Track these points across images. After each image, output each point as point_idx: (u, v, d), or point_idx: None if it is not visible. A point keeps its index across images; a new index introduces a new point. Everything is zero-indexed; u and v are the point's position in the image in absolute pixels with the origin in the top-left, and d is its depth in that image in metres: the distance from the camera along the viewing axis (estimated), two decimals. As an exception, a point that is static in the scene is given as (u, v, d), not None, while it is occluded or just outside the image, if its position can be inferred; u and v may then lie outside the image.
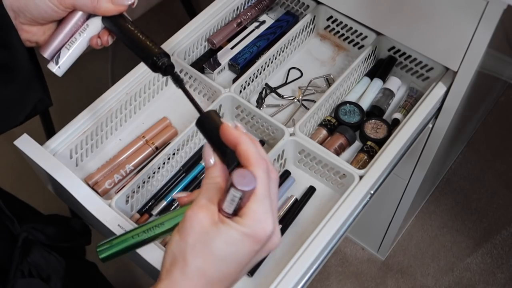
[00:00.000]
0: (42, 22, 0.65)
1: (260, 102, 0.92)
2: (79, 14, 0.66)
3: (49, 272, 0.69)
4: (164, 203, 0.80)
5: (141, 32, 0.64)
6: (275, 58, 0.93)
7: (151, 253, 0.68)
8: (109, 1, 0.64)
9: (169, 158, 0.81)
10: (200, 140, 0.86)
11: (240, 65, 0.92)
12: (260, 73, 0.91)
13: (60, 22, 0.67)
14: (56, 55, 0.67)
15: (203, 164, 0.84)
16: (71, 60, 0.68)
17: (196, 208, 0.47)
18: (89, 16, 0.66)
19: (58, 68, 0.68)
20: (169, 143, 0.83)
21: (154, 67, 0.62)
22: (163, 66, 0.61)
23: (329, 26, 0.99)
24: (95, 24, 0.67)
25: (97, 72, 1.70)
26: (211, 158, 0.51)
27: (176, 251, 0.47)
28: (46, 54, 0.67)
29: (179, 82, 0.59)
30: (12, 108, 0.68)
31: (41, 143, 0.78)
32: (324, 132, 0.86)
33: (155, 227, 0.57)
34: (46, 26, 0.66)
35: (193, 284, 0.47)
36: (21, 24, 0.64)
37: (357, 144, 0.88)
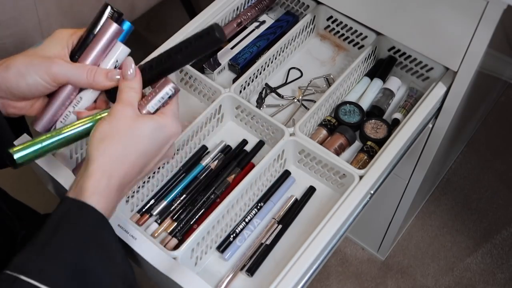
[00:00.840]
0: (30, 98, 0.65)
1: (260, 102, 0.92)
2: (70, 87, 0.66)
3: None
4: (164, 203, 0.80)
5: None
6: (275, 58, 0.93)
7: (152, 253, 0.68)
8: (105, 75, 0.64)
9: (169, 158, 0.81)
10: (200, 140, 0.86)
11: (240, 65, 0.92)
12: (260, 73, 0.91)
13: (51, 95, 0.67)
14: (52, 128, 0.68)
15: (203, 164, 0.84)
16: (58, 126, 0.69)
17: (125, 104, 0.60)
18: (81, 88, 0.67)
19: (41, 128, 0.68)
20: (169, 143, 0.83)
21: None
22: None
23: (329, 26, 0.99)
24: (89, 96, 0.67)
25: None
26: (131, 69, 0.63)
27: (105, 132, 0.58)
28: (39, 128, 0.68)
29: None
30: None
31: (41, 143, 0.78)
32: (324, 132, 0.86)
33: (68, 130, 0.63)
34: (34, 100, 0.67)
35: (114, 155, 0.57)
36: (7, 100, 0.64)
37: (357, 144, 0.88)
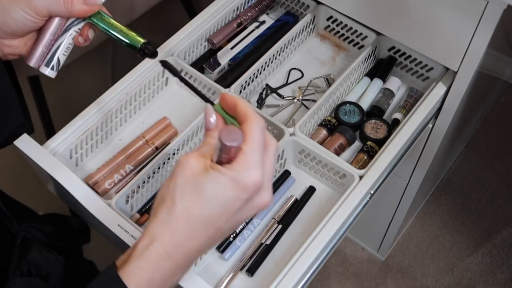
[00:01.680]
0: (21, 34, 0.66)
1: (260, 102, 0.92)
2: (57, 20, 0.67)
3: (48, 270, 0.69)
4: (164, 203, 0.80)
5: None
6: (275, 58, 0.93)
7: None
8: (82, 2, 0.65)
9: (169, 158, 0.81)
10: (200, 140, 0.86)
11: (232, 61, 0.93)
12: (260, 73, 0.91)
13: (40, 30, 0.68)
14: (46, 59, 0.69)
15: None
16: (62, 61, 0.70)
17: (189, 155, 0.51)
18: (68, 19, 0.68)
19: (51, 70, 0.69)
20: (169, 143, 0.83)
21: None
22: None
23: (329, 26, 0.99)
24: (76, 25, 0.69)
25: (97, 72, 1.70)
26: (211, 117, 0.54)
27: (165, 192, 0.50)
28: (32, 62, 0.69)
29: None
30: None
31: (41, 143, 0.78)
32: (324, 132, 0.86)
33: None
34: (27, 37, 0.68)
35: (178, 222, 0.49)
36: (1, 39, 0.66)
37: (357, 144, 0.88)
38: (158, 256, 0.49)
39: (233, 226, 0.52)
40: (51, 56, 0.69)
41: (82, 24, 0.69)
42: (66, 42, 0.69)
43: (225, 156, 0.50)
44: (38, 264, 0.69)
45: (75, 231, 0.79)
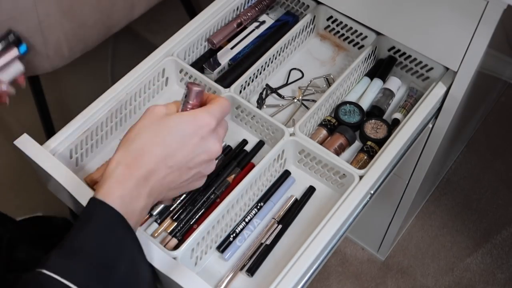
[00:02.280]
0: None
1: (260, 102, 0.92)
2: None
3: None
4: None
5: None
6: (275, 58, 0.93)
7: (152, 253, 0.68)
8: None
9: (169, 158, 0.81)
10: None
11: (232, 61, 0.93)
12: (260, 73, 0.91)
13: None
14: None
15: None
16: None
17: (157, 105, 0.62)
18: None
19: None
20: (169, 143, 0.83)
21: None
22: None
23: (329, 26, 0.99)
24: None
25: (97, 72, 1.70)
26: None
27: (132, 129, 0.60)
28: None
29: None
30: None
31: (41, 143, 0.78)
32: (324, 132, 0.87)
33: None
34: None
35: (143, 147, 0.59)
36: None
37: (357, 144, 0.88)
38: (125, 176, 0.57)
39: (190, 163, 0.61)
40: None
41: None
42: None
43: (190, 102, 0.63)
44: (26, 263, 0.69)
45: (59, 229, 0.80)
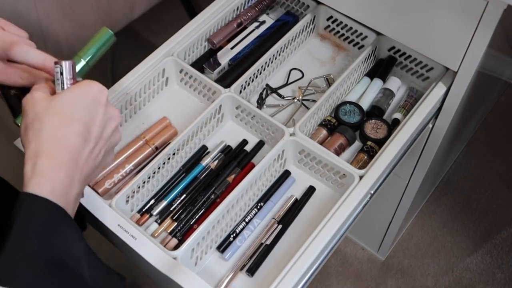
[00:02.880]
0: None
1: (260, 102, 0.92)
2: None
3: None
4: (164, 203, 0.80)
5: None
6: (275, 58, 0.93)
7: (152, 253, 0.68)
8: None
9: (169, 158, 0.81)
10: (200, 140, 0.86)
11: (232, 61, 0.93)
12: (260, 73, 0.91)
13: None
14: None
15: (203, 164, 0.84)
16: None
17: (32, 92, 0.58)
18: None
19: None
20: (169, 143, 0.83)
21: None
22: None
23: (329, 26, 0.99)
24: None
25: (97, 72, 1.70)
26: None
27: (27, 122, 0.56)
28: None
29: None
30: None
31: (41, 143, 0.78)
32: (324, 132, 0.86)
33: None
34: None
35: (52, 134, 0.55)
36: None
37: (357, 144, 0.88)
38: (49, 168, 0.54)
39: (104, 133, 0.60)
40: None
41: None
42: None
43: (69, 78, 0.60)
44: None
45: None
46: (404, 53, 0.93)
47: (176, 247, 0.75)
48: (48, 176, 0.54)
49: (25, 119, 0.57)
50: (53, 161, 0.54)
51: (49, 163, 0.54)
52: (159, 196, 0.81)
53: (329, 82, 0.94)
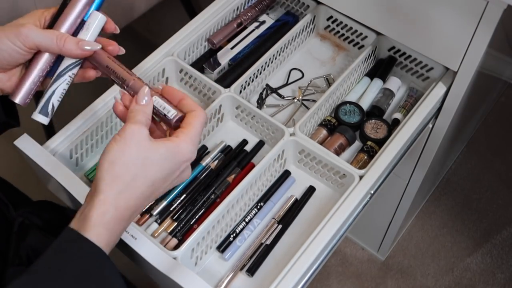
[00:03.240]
0: (6, 67, 0.63)
1: (260, 102, 0.92)
2: (46, 55, 0.64)
3: None
4: (164, 203, 0.80)
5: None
6: (275, 58, 0.93)
7: (152, 253, 0.68)
8: (76, 44, 0.62)
9: (169, 158, 0.81)
10: (200, 140, 0.86)
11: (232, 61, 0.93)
12: (260, 73, 0.91)
13: (28, 66, 0.65)
14: (40, 105, 0.65)
15: (203, 164, 0.84)
16: (55, 106, 0.66)
17: (137, 124, 0.57)
18: (59, 56, 0.65)
19: (44, 116, 0.65)
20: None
21: None
22: None
23: (329, 26, 0.99)
24: (71, 69, 0.65)
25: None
26: (145, 98, 0.59)
27: (115, 157, 0.55)
28: (17, 99, 0.65)
29: None
30: None
31: (41, 143, 0.78)
32: (324, 132, 0.86)
33: None
34: (10, 72, 0.65)
35: (131, 190, 0.56)
36: None
37: (357, 144, 0.88)
38: (114, 222, 0.55)
39: (169, 187, 0.60)
40: (45, 103, 0.65)
41: (77, 68, 0.66)
42: (61, 87, 0.65)
43: (169, 117, 0.60)
44: (37, 249, 0.68)
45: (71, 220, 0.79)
46: (404, 53, 0.93)
47: (176, 247, 0.75)
48: (111, 229, 0.55)
49: (124, 147, 0.56)
50: (118, 218, 0.55)
51: (116, 217, 0.55)
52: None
53: (329, 82, 0.94)
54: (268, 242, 0.77)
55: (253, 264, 0.75)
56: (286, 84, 0.95)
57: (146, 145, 0.56)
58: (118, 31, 0.68)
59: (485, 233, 1.50)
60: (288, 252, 0.76)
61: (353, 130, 0.86)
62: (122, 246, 0.71)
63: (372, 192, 0.78)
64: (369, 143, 0.85)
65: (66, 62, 0.65)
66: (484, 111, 1.60)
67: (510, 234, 1.49)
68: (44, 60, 0.64)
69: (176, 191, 0.81)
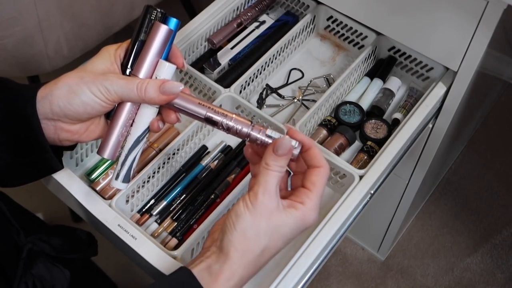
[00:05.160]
0: (85, 119, 0.61)
1: (260, 102, 0.92)
2: (128, 107, 0.61)
3: (53, 284, 0.68)
4: (164, 203, 0.80)
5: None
6: (275, 58, 0.93)
7: (152, 253, 0.68)
8: (157, 90, 0.59)
9: (169, 158, 0.81)
10: (200, 140, 0.86)
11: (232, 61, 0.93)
12: (260, 73, 0.91)
13: (112, 119, 0.63)
14: (123, 174, 0.63)
15: (203, 164, 0.84)
16: (133, 169, 0.65)
17: (271, 195, 0.55)
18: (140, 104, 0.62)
19: (125, 183, 0.64)
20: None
21: None
22: None
23: (329, 26, 0.99)
24: (145, 113, 0.62)
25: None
26: (284, 148, 0.57)
27: (248, 228, 0.55)
28: (106, 154, 0.63)
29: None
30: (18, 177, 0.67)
31: (41, 143, 0.78)
32: (324, 132, 0.86)
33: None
34: (88, 122, 0.62)
35: (256, 261, 0.57)
36: (60, 123, 0.60)
37: (357, 144, 0.88)
38: (234, 286, 0.56)
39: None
40: (128, 170, 0.63)
41: (152, 113, 0.62)
42: (140, 152, 0.64)
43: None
44: (43, 278, 0.68)
45: (82, 243, 0.78)
46: (404, 53, 0.93)
47: (176, 247, 0.75)
48: None
49: (248, 220, 0.56)
50: (240, 282, 0.57)
51: (237, 285, 0.56)
52: (159, 196, 0.81)
53: (329, 82, 0.94)
54: (268, 242, 0.77)
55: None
56: (286, 84, 0.95)
57: (277, 217, 0.56)
58: (185, 68, 0.68)
59: (485, 233, 1.50)
60: (288, 252, 0.76)
61: (353, 130, 0.86)
62: (122, 246, 0.71)
63: (372, 192, 0.78)
64: (369, 143, 0.85)
65: (141, 126, 0.62)
66: (484, 111, 1.60)
67: (510, 234, 1.49)
68: (127, 111, 0.62)
69: (176, 191, 0.81)
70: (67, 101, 0.59)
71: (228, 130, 0.60)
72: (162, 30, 0.61)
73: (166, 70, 0.61)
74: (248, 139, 0.61)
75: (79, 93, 0.58)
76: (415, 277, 1.45)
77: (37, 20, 1.07)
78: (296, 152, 0.59)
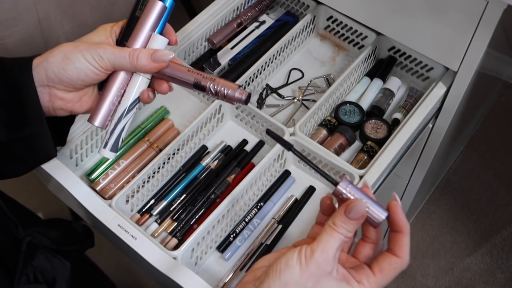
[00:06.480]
0: (79, 87, 0.62)
1: (260, 102, 0.92)
2: (122, 75, 0.64)
3: (54, 275, 0.68)
4: (164, 203, 0.80)
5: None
6: (275, 58, 0.93)
7: (152, 253, 0.68)
8: (149, 58, 0.61)
9: (169, 158, 0.81)
10: (200, 140, 0.86)
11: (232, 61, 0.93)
12: (260, 73, 0.91)
13: (104, 88, 0.64)
14: (111, 143, 0.65)
15: (203, 164, 0.84)
16: (122, 141, 0.66)
17: (328, 260, 0.50)
18: (133, 74, 0.64)
19: (113, 152, 0.65)
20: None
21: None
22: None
23: (329, 26, 0.99)
24: (137, 83, 0.64)
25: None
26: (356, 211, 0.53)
27: (292, 282, 0.50)
28: (97, 122, 0.64)
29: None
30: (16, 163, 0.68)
31: (41, 143, 0.78)
32: (324, 132, 0.86)
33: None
34: (82, 92, 0.64)
35: None
36: (55, 90, 0.62)
37: (357, 144, 0.88)
38: None
39: None
40: (116, 139, 0.65)
41: (145, 83, 0.64)
42: (129, 121, 0.65)
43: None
44: (44, 270, 0.68)
45: (79, 235, 0.78)
46: (404, 53, 0.93)
47: (176, 247, 0.75)
48: None
49: (295, 274, 0.50)
50: None
51: None
52: (159, 196, 0.81)
53: (329, 82, 0.94)
54: (268, 242, 0.77)
55: (253, 264, 0.75)
56: (286, 84, 0.95)
57: (326, 284, 0.50)
58: (178, 44, 0.69)
59: (485, 233, 1.50)
60: (288, 252, 0.76)
61: (353, 130, 0.86)
62: (122, 246, 0.71)
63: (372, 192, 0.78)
64: (369, 143, 0.85)
65: (132, 95, 0.64)
66: (484, 111, 1.60)
67: (510, 234, 1.49)
68: (120, 80, 0.64)
69: (176, 191, 0.81)
70: (62, 67, 0.60)
71: (217, 94, 0.62)
72: (157, 6, 0.64)
73: (159, 42, 0.64)
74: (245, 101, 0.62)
75: (73, 60, 0.60)
76: (415, 277, 1.45)
77: (37, 20, 1.07)
78: (378, 221, 0.55)
